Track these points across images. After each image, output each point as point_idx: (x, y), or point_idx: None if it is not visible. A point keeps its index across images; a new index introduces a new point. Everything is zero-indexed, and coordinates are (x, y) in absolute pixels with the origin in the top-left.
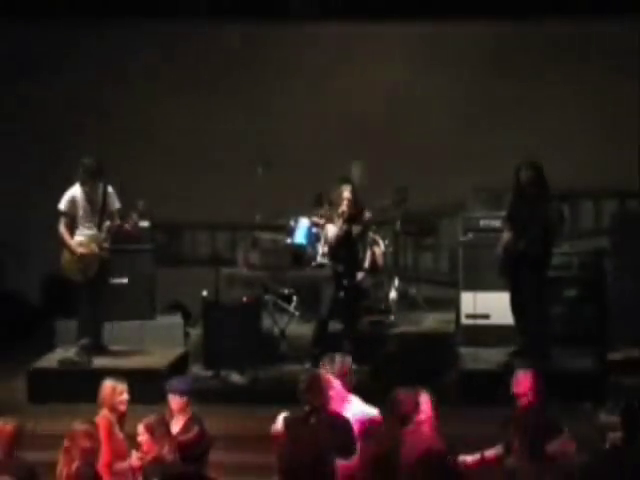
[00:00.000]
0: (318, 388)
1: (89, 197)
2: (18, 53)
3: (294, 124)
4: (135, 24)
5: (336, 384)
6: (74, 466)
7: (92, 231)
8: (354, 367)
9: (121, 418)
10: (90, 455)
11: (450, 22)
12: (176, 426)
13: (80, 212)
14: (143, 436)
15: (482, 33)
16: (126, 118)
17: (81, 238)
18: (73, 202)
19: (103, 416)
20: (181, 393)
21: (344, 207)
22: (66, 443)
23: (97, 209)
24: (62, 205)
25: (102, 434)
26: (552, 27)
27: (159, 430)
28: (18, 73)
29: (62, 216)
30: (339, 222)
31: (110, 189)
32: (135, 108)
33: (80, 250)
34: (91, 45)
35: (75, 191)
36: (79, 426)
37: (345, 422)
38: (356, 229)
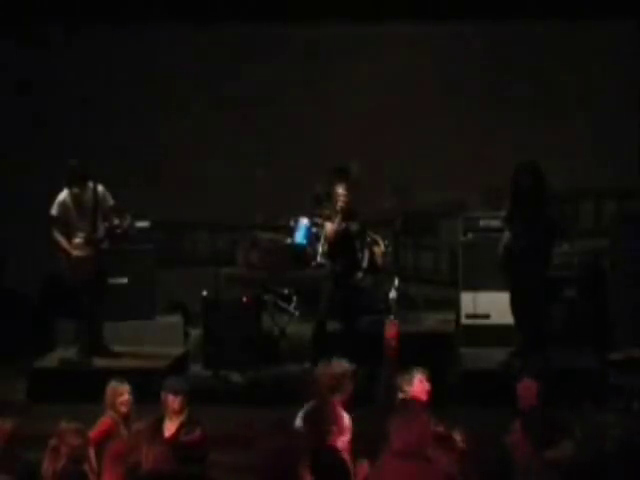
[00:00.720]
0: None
1: (79, 199)
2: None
3: (294, 124)
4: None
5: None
6: (61, 464)
7: (87, 233)
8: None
9: (126, 419)
10: (78, 453)
11: (451, 22)
12: (172, 426)
13: (73, 215)
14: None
15: (483, 33)
16: (126, 118)
17: (77, 241)
18: (64, 206)
19: (108, 416)
20: (176, 392)
21: (341, 203)
22: (53, 441)
23: (90, 210)
24: (53, 210)
25: (94, 433)
26: (553, 27)
27: (143, 436)
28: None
29: (54, 221)
30: (337, 219)
31: (100, 188)
32: (135, 107)
33: (76, 253)
34: (90, 47)
35: (64, 195)
36: (67, 424)
37: None
38: (354, 226)
